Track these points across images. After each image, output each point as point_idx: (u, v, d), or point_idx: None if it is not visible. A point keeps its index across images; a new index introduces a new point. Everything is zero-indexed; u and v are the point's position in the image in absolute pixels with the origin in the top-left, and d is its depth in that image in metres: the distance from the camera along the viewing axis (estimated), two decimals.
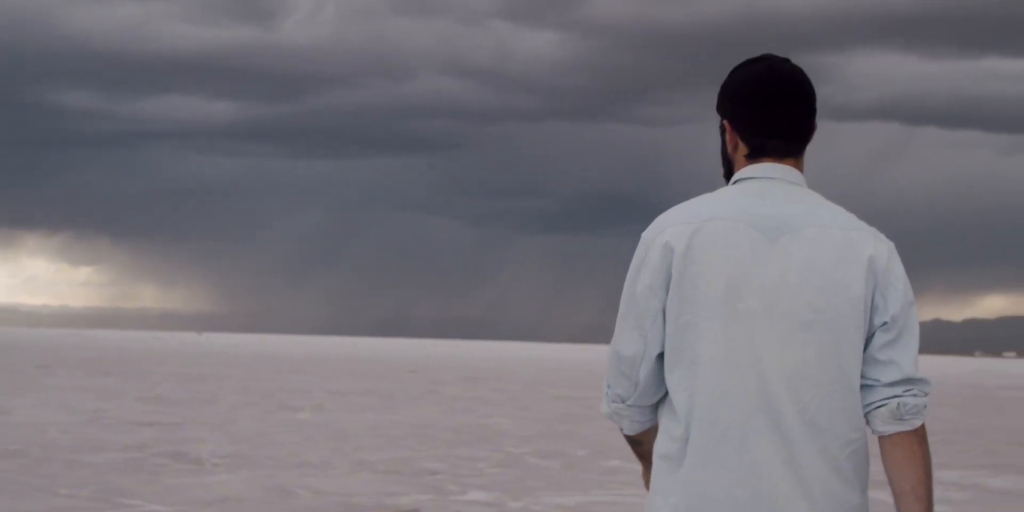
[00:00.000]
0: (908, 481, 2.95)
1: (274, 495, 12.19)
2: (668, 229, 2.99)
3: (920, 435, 2.97)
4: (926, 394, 2.99)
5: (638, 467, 15.28)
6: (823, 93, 3.20)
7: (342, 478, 13.63)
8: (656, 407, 3.09)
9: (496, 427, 21.24)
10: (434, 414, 23.98)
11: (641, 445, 3.22)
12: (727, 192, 3.07)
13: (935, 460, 11.34)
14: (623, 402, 3.09)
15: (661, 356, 3.01)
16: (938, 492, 13.27)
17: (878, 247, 2.99)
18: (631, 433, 3.17)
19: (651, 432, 3.16)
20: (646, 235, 3.04)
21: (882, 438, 3.00)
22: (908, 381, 2.96)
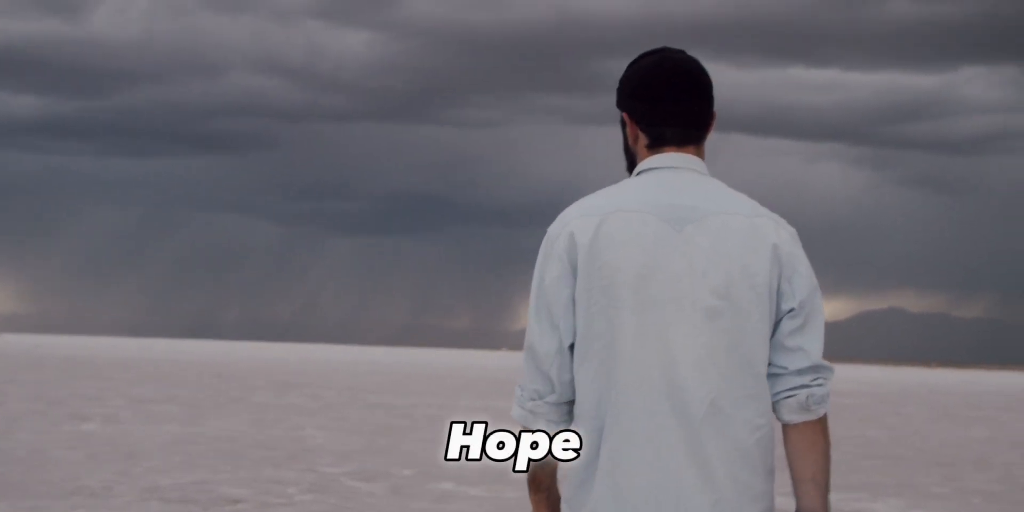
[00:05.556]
0: (809, 468, 2.97)
1: None
2: (573, 222, 2.99)
3: (823, 423, 2.99)
4: (829, 381, 2.98)
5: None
6: None
7: (124, 509, 11.41)
8: (571, 407, 3.03)
9: (309, 441, 19.05)
10: (240, 425, 21.69)
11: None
12: (631, 183, 3.06)
13: None
14: (541, 398, 3.03)
15: (573, 348, 2.99)
16: None
17: (781, 234, 2.99)
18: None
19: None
20: (552, 229, 3.03)
21: (787, 426, 3.00)
22: (815, 369, 2.97)
